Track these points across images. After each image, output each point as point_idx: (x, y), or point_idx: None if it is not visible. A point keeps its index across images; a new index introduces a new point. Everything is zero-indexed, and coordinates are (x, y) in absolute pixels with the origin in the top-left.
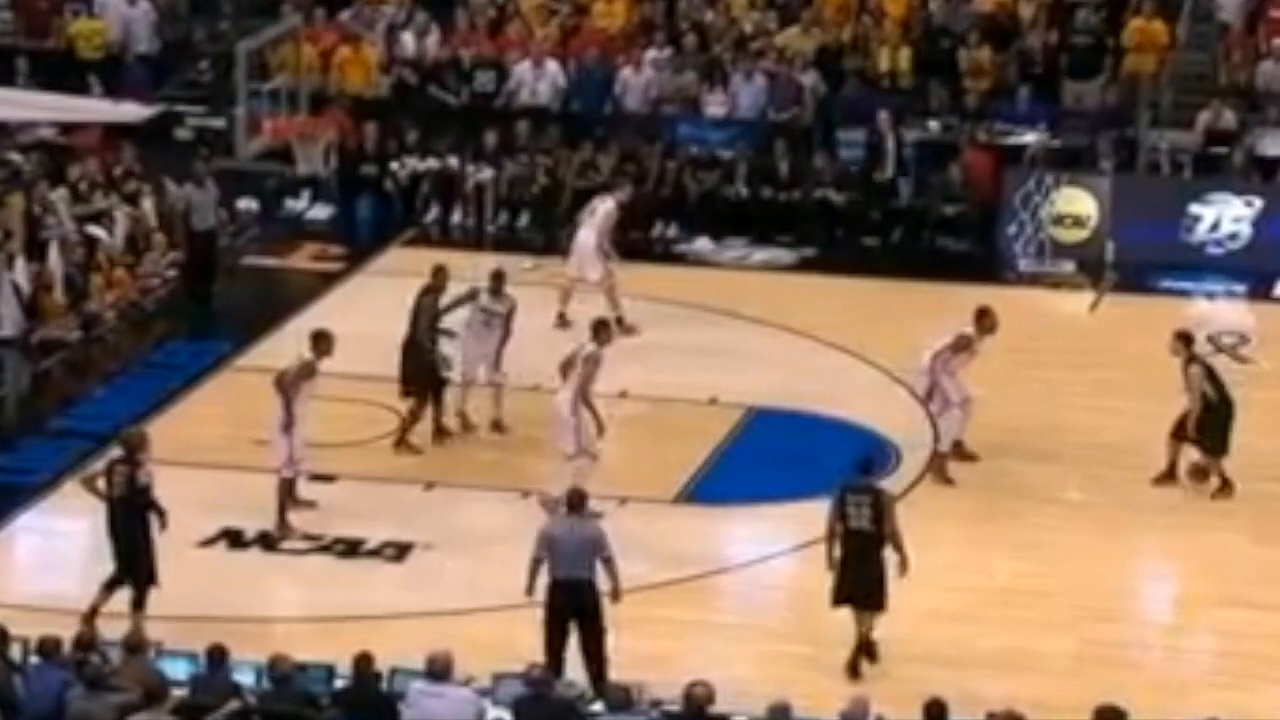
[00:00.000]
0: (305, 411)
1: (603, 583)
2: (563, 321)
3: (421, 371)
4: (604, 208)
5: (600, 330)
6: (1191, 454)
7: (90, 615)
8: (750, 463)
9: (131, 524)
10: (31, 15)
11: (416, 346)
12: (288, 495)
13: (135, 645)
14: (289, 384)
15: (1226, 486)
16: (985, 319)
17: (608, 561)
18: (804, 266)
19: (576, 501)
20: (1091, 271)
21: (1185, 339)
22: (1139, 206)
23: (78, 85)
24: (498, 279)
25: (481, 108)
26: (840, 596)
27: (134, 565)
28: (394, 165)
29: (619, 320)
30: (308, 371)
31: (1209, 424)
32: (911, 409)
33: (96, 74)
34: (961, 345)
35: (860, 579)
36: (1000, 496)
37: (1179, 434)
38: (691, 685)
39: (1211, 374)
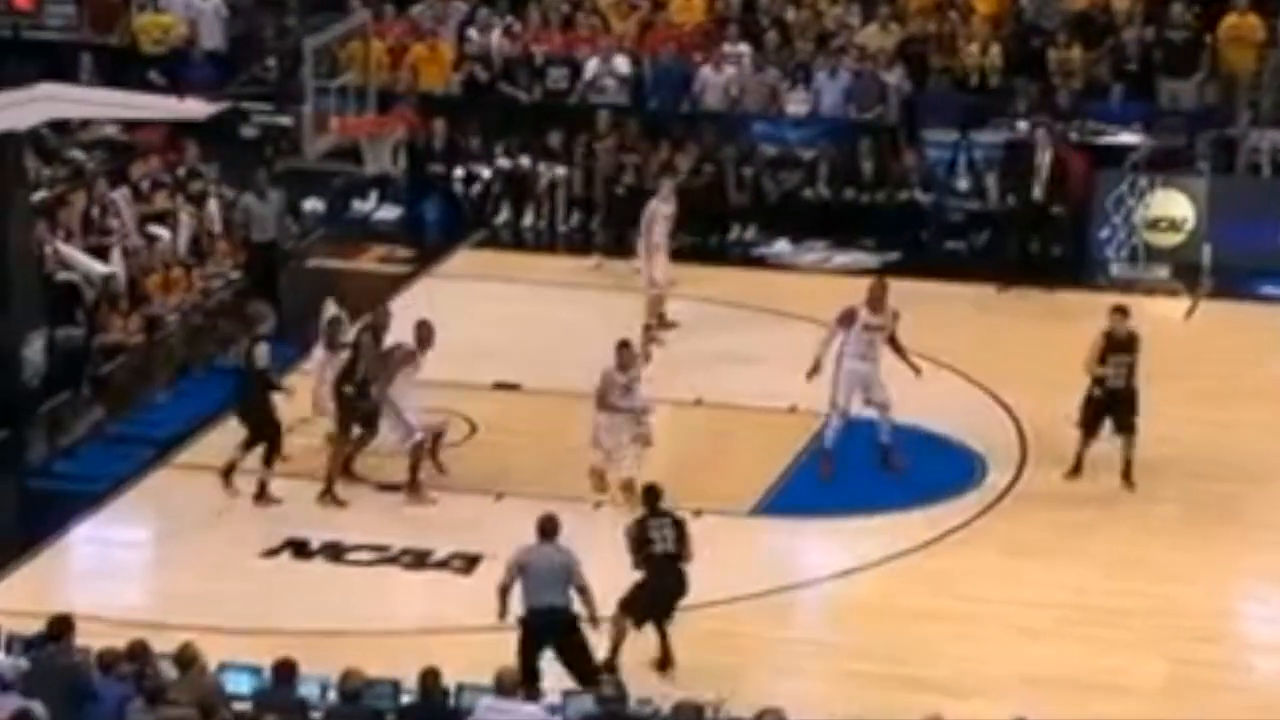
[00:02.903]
0: (408, 390)
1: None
2: (662, 325)
3: (364, 413)
4: (649, 210)
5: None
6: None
7: (227, 470)
8: (831, 472)
9: (247, 393)
10: (97, 10)
11: (357, 389)
12: (424, 457)
13: (187, 660)
14: (391, 367)
15: (1077, 470)
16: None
17: (582, 590)
18: (888, 270)
19: (549, 529)
20: (1187, 277)
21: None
22: (1238, 209)
23: (140, 81)
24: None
25: (554, 105)
26: (649, 616)
27: (257, 430)
28: (459, 172)
29: (647, 328)
30: (408, 359)
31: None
32: (998, 419)
33: (160, 70)
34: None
35: (668, 596)
36: (1090, 509)
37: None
38: (762, 713)
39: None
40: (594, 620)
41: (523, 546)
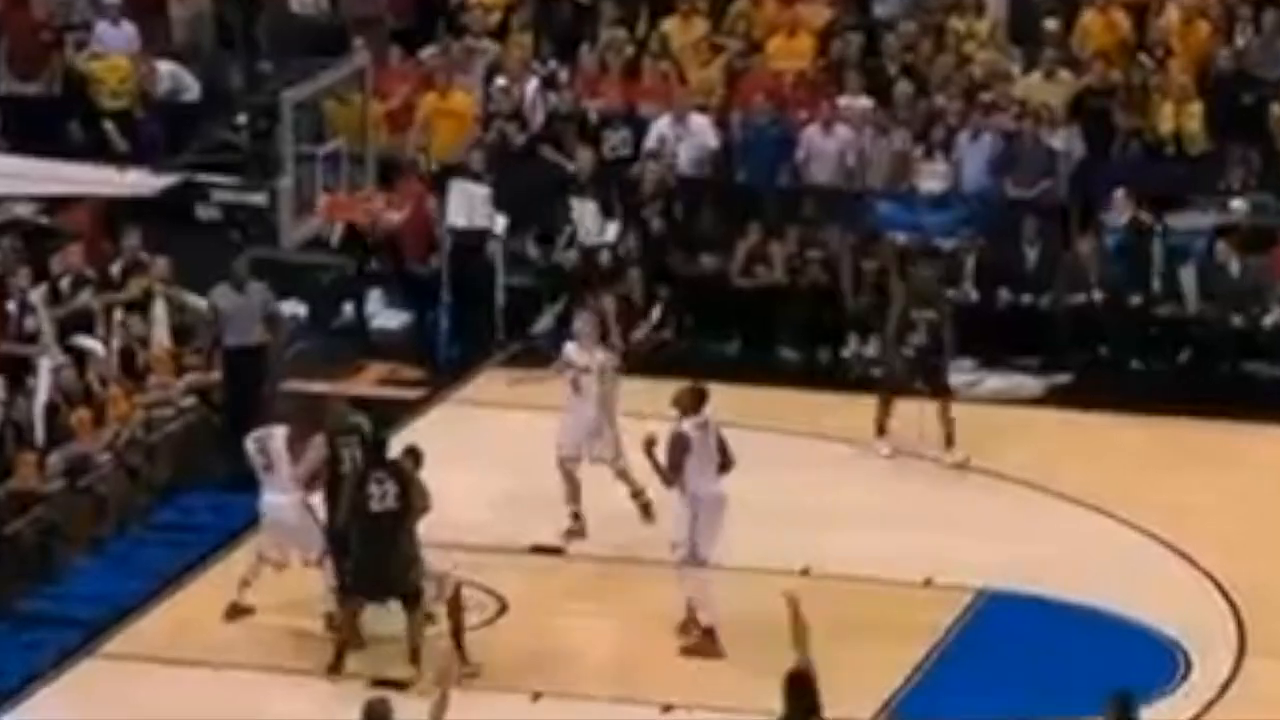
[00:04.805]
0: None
1: None
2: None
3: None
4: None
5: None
6: None
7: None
8: (979, 667)
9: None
10: (18, 50)
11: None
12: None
13: None
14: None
15: None
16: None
17: None
18: (1055, 399)
19: (374, 715)
20: None
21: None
22: None
23: (89, 142)
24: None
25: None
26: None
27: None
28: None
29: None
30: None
31: None
32: (1205, 595)
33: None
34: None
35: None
36: None
37: None
38: None
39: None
40: None
41: None
